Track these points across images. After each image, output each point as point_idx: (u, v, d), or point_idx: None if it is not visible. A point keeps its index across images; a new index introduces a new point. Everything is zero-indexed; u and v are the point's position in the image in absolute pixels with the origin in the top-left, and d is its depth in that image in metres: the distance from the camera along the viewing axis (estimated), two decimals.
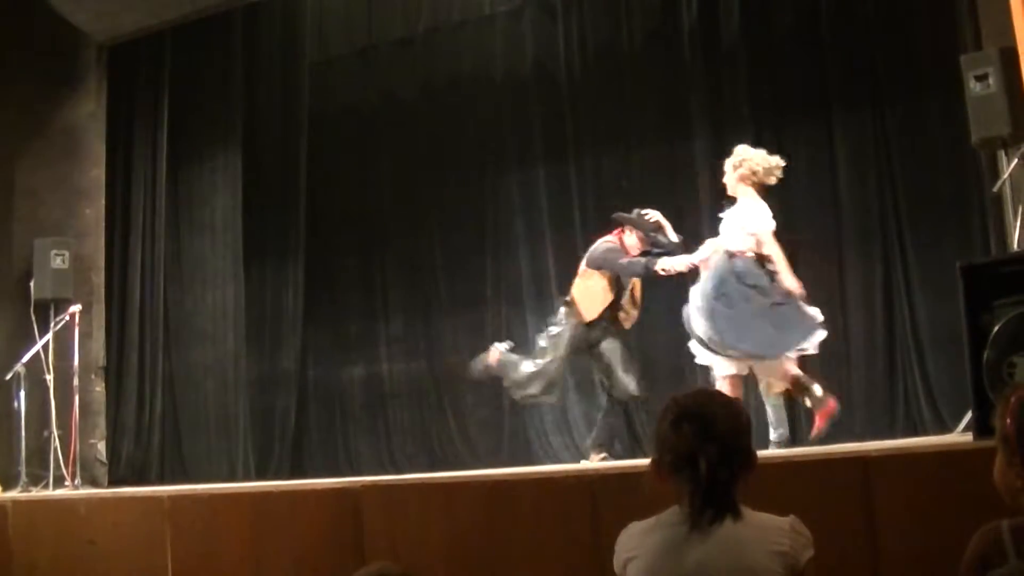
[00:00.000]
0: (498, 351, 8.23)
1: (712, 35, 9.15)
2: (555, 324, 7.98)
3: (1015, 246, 6.44)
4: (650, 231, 7.82)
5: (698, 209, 8.96)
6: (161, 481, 10.06)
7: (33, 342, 9.45)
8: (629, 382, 7.76)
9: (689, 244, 7.73)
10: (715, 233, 7.53)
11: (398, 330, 10.45)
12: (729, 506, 2.69)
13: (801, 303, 6.98)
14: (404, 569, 2.67)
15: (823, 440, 6.93)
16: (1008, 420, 2.50)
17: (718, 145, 8.93)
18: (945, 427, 7.38)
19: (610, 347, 7.85)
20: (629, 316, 8.02)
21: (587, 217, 9.57)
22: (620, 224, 7.95)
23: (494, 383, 9.14)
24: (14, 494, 8.80)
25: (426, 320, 10.32)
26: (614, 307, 7.90)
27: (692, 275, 7.46)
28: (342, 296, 10.70)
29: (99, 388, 10.44)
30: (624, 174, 9.49)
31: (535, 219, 9.89)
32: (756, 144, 8.08)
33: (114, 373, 10.61)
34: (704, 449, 2.65)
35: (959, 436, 6.00)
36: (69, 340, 9.56)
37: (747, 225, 7.05)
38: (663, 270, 7.55)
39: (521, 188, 9.99)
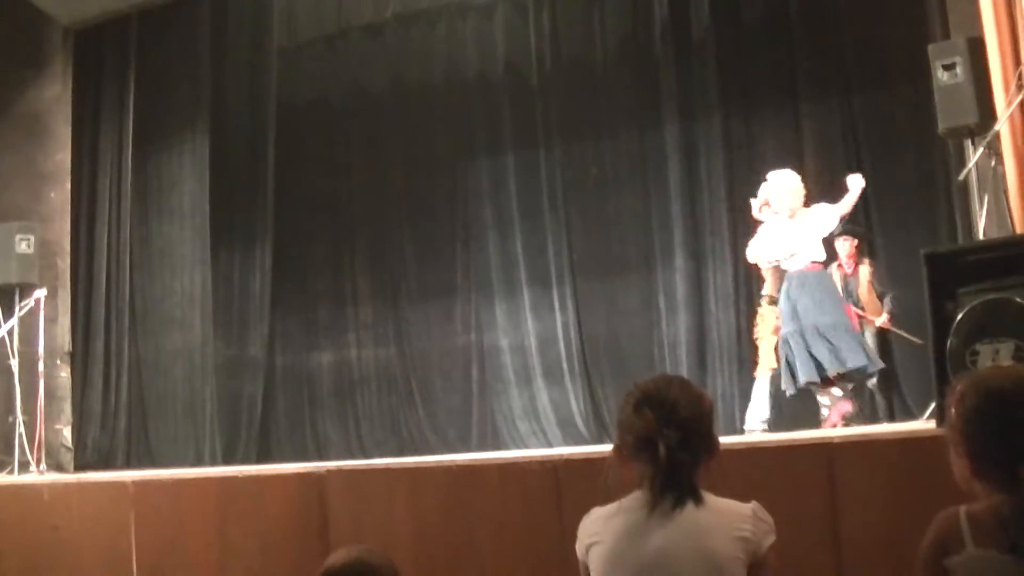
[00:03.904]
0: None
1: (682, 25, 9.17)
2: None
3: (981, 234, 6.47)
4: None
5: (668, 195, 9.00)
6: (128, 466, 9.99)
7: None
8: None
9: None
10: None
11: (367, 316, 10.43)
12: (690, 491, 2.69)
13: None
14: (383, 555, 2.68)
15: (787, 426, 6.96)
16: (953, 410, 2.50)
17: (687, 133, 8.97)
18: (911, 414, 7.43)
19: None
20: None
21: (556, 205, 9.58)
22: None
23: (462, 369, 9.15)
24: None
25: (395, 306, 10.31)
26: None
27: None
28: (310, 282, 10.67)
29: (65, 373, 10.36)
30: (594, 161, 9.50)
31: (504, 206, 9.88)
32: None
33: (80, 358, 10.52)
34: (664, 433, 2.65)
35: (923, 423, 6.03)
36: (34, 325, 9.45)
37: None
38: None
39: (490, 175, 9.99)
